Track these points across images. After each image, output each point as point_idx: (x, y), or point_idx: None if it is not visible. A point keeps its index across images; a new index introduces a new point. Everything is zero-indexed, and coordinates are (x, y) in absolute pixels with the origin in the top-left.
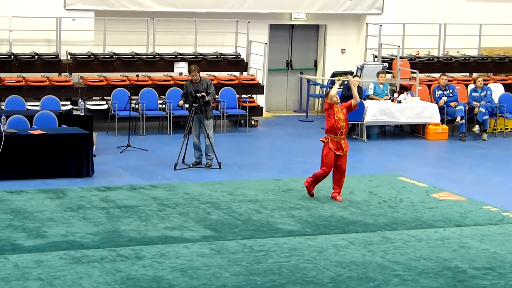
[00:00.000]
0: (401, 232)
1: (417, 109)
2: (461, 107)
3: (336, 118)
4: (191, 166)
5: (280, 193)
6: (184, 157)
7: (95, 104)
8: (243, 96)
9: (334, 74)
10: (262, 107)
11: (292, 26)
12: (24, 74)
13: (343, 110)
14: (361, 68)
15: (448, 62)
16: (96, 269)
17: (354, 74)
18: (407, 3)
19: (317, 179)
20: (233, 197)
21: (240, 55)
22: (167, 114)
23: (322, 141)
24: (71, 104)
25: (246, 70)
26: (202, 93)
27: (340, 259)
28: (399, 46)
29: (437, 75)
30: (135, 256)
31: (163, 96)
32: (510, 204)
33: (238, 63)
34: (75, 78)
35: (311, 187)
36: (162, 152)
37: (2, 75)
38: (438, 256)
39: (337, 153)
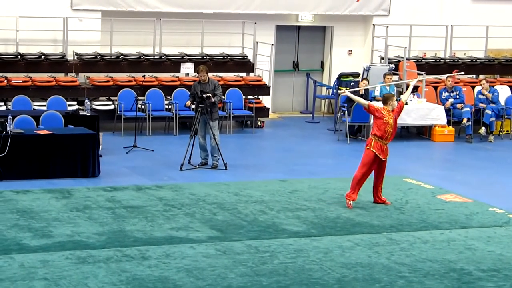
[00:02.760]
0: (407, 233)
1: (423, 110)
2: (468, 109)
3: (385, 121)
4: (197, 166)
5: (286, 194)
6: (190, 157)
7: (102, 105)
8: (249, 97)
9: (340, 76)
10: (268, 108)
11: (299, 27)
12: (31, 74)
13: (394, 115)
14: (367, 70)
15: (455, 64)
16: (102, 269)
17: (362, 77)
18: (414, 4)
19: (357, 181)
20: (239, 198)
21: (247, 56)
22: (173, 114)
23: (367, 146)
24: (78, 104)
25: (252, 71)
26: (208, 94)
27: (346, 261)
28: (405, 47)
29: (444, 76)
30: (140, 256)
31: (169, 97)
32: None
33: (244, 64)
34: (82, 78)
35: (353, 196)
36: (168, 153)
37: (9, 75)
38: (443, 258)
39: (379, 156)
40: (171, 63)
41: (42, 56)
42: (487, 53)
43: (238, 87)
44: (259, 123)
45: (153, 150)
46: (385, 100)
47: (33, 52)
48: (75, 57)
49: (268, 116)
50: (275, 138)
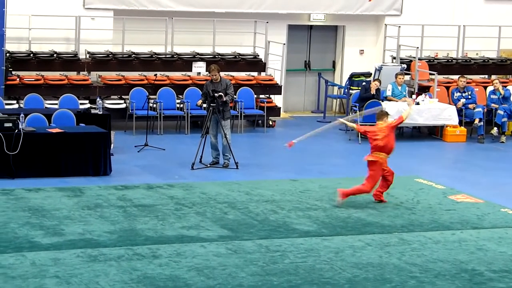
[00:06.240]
0: (418, 234)
1: (435, 110)
2: (480, 109)
3: (375, 137)
4: (208, 165)
5: (297, 194)
6: (201, 156)
7: (113, 103)
8: (261, 96)
9: (352, 75)
10: (280, 108)
11: (311, 26)
12: (43, 73)
13: (387, 129)
14: (379, 70)
15: (467, 64)
16: (113, 268)
17: (374, 77)
18: (426, 4)
19: (357, 192)
20: (250, 197)
21: (258, 55)
22: (184, 113)
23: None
24: (90, 103)
25: (264, 71)
26: (220, 93)
27: (357, 260)
28: (417, 47)
29: (455, 77)
30: (151, 255)
31: (181, 96)
32: None
33: (256, 63)
34: (94, 77)
35: (345, 196)
36: (180, 152)
37: (21, 73)
38: (455, 258)
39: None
40: (183, 62)
41: (55, 55)
42: (500, 53)
43: (250, 86)
44: (270, 123)
45: (164, 149)
46: (378, 116)
47: (45, 51)
48: (87, 55)
49: (279, 116)
50: (287, 137)
